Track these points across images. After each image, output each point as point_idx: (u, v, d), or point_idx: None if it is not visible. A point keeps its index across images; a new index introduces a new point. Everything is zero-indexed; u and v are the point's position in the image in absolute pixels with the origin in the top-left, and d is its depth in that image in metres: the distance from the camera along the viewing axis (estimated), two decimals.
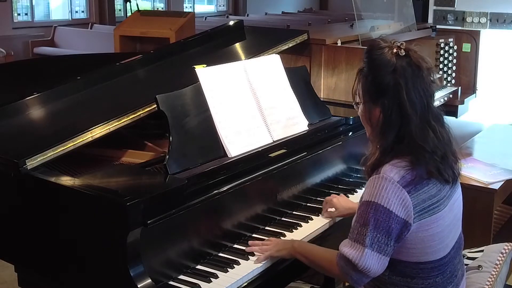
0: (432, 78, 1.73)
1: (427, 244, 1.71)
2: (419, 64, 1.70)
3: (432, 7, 6.10)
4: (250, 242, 2.00)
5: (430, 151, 1.67)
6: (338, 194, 2.43)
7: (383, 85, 1.69)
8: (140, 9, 5.96)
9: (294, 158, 2.28)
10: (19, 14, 9.03)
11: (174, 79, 2.54)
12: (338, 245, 1.76)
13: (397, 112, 1.68)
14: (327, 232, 2.20)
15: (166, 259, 1.79)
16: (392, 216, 1.64)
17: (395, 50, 1.70)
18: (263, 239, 2.04)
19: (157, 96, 2.03)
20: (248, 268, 1.88)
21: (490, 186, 3.03)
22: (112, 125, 2.07)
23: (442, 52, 4.30)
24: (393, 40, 1.76)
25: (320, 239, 2.15)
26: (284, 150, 2.29)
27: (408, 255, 1.72)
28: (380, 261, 1.68)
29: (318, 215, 2.25)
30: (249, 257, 1.93)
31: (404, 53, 1.70)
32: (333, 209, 2.23)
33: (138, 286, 1.65)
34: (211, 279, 1.80)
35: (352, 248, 1.69)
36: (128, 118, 2.12)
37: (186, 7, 11.77)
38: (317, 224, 2.20)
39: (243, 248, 1.99)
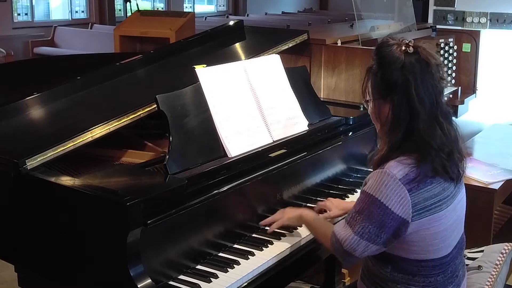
0: (441, 75, 1.73)
1: (429, 242, 1.71)
2: (427, 61, 1.70)
3: (432, 7, 6.10)
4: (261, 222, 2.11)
5: (436, 148, 1.68)
6: (338, 196, 2.44)
7: (392, 81, 1.70)
8: (140, 9, 5.95)
9: (294, 158, 2.28)
10: (19, 14, 9.03)
11: (174, 79, 2.54)
12: None
13: (406, 108, 1.69)
14: None
15: (166, 259, 1.79)
16: (388, 212, 1.65)
17: (403, 47, 1.71)
18: (263, 239, 2.05)
19: (157, 96, 2.03)
20: (248, 268, 1.88)
21: (490, 186, 3.04)
22: (112, 125, 2.07)
23: (442, 52, 4.30)
24: (402, 38, 1.76)
25: None
26: (284, 150, 2.29)
27: (410, 253, 1.73)
28: (367, 247, 1.71)
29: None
30: (249, 257, 1.94)
31: (412, 50, 1.71)
32: (328, 213, 2.23)
33: (138, 286, 1.65)
34: (211, 279, 1.80)
35: (343, 228, 1.75)
36: (128, 118, 2.12)
37: (186, 7, 11.77)
38: None
39: (243, 248, 1.99)
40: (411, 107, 1.68)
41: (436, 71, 1.72)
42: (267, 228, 2.11)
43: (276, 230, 2.10)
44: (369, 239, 1.69)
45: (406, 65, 1.69)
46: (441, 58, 4.26)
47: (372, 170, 1.80)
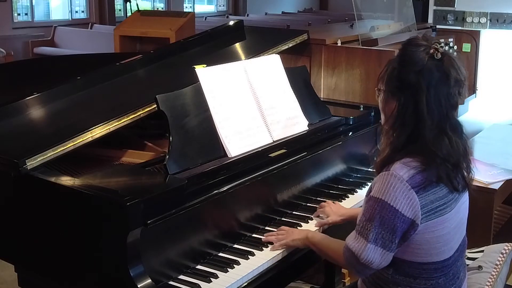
0: (459, 90, 1.68)
1: (432, 246, 1.71)
2: (448, 72, 1.65)
3: (432, 7, 6.11)
4: (265, 234, 2.05)
5: (442, 157, 1.65)
6: (338, 196, 2.44)
7: (404, 81, 1.67)
8: (140, 9, 5.96)
9: (294, 158, 2.28)
10: (19, 14, 9.02)
11: (174, 79, 2.53)
12: (347, 236, 1.78)
13: (412, 112, 1.67)
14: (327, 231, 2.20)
15: (166, 259, 1.79)
16: (398, 215, 1.64)
17: (431, 51, 1.66)
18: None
19: (157, 96, 2.03)
20: (248, 268, 1.88)
21: (490, 186, 3.03)
22: (112, 125, 2.07)
23: None
24: (436, 41, 1.70)
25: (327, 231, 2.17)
26: (284, 150, 2.29)
27: (413, 255, 1.72)
28: (383, 255, 1.68)
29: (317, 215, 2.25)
30: (249, 257, 1.94)
31: (439, 57, 1.66)
32: (326, 219, 2.22)
33: (138, 286, 1.65)
34: (211, 279, 1.80)
35: (356, 240, 1.71)
36: (128, 118, 2.12)
37: (186, 7, 11.76)
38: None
39: (243, 248, 1.99)
40: (417, 113, 1.65)
41: (455, 85, 1.67)
42: (267, 229, 2.12)
43: (276, 230, 2.10)
44: (384, 245, 1.66)
45: (424, 70, 1.64)
46: None
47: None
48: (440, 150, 1.66)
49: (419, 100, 1.65)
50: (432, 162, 1.65)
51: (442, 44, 1.70)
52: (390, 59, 1.78)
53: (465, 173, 1.74)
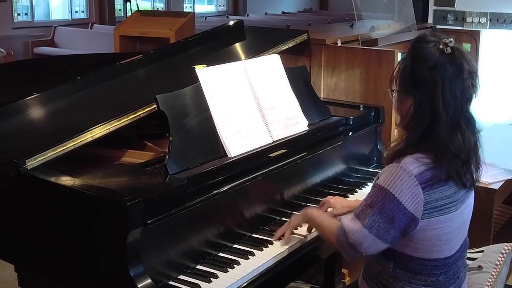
0: (473, 82, 1.69)
1: (433, 243, 1.71)
2: (461, 66, 1.66)
3: (432, 7, 6.09)
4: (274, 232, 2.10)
5: (453, 152, 1.66)
6: (338, 195, 2.44)
7: (419, 78, 1.67)
8: (140, 9, 5.96)
9: (294, 158, 2.28)
10: (19, 14, 9.03)
11: (174, 79, 2.53)
12: None
13: (428, 108, 1.67)
14: None
15: (166, 259, 1.79)
16: (400, 207, 1.64)
17: (441, 46, 1.67)
18: (263, 239, 2.05)
19: (157, 96, 2.03)
20: (248, 268, 1.88)
21: (490, 186, 3.03)
22: (112, 125, 2.07)
23: None
24: (443, 37, 1.71)
25: None
26: (284, 150, 2.29)
27: (414, 250, 1.73)
28: (374, 242, 1.69)
29: None
30: (249, 257, 1.94)
31: (449, 51, 1.66)
32: (331, 209, 2.23)
33: (138, 286, 1.65)
34: (211, 279, 1.80)
35: (351, 221, 1.73)
36: (128, 118, 2.12)
37: (186, 7, 11.77)
38: None
39: (243, 248, 1.99)
40: (434, 109, 1.65)
41: (468, 78, 1.67)
42: (267, 229, 2.12)
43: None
44: (378, 234, 1.67)
45: (437, 65, 1.65)
46: None
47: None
48: (452, 145, 1.66)
49: (435, 96, 1.65)
50: (443, 159, 1.65)
51: (451, 39, 1.70)
52: (400, 60, 1.78)
53: (474, 170, 1.74)
